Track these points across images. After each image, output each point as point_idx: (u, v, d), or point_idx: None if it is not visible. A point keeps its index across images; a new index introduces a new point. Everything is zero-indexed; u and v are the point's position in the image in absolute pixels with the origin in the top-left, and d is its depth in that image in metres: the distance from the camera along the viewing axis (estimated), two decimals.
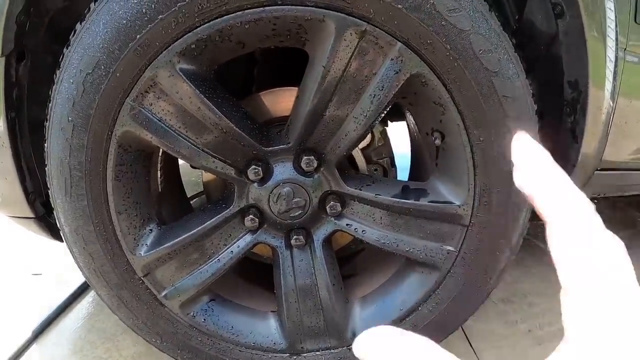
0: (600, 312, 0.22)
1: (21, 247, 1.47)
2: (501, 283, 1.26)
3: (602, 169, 0.97)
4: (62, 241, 0.83)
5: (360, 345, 0.23)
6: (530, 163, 0.24)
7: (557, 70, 0.87)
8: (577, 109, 0.86)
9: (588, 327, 0.21)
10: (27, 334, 1.09)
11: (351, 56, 0.66)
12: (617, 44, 0.84)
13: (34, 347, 1.07)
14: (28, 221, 0.92)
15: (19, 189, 0.83)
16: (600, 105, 0.85)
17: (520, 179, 0.24)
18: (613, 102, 0.88)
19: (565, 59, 0.85)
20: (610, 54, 0.84)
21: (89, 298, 1.24)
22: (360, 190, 0.76)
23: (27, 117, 0.84)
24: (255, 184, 0.76)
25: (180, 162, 1.13)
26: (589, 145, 0.87)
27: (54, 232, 0.92)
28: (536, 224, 1.63)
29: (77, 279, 1.27)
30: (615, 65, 0.85)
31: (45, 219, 0.92)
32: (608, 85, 0.85)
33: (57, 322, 1.15)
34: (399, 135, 1.23)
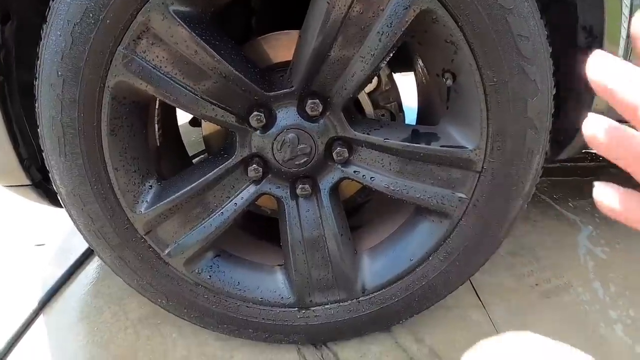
0: None
1: (23, 219, 1.46)
2: (509, 237, 1.26)
3: (620, 121, 0.94)
4: (62, 206, 0.81)
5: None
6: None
7: (572, 14, 0.83)
8: None
9: None
10: (34, 304, 1.08)
11: None
12: None
13: (41, 317, 1.06)
14: (25, 189, 0.89)
15: (13, 156, 0.81)
16: (615, 54, 0.82)
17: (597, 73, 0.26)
18: (627, 52, 0.85)
19: (580, 4, 0.81)
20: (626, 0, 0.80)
21: (94, 264, 1.23)
22: (368, 134, 0.73)
23: (16, 81, 0.81)
24: (258, 132, 0.72)
25: (180, 119, 1.10)
26: None
27: (53, 198, 0.89)
28: (544, 180, 1.63)
29: (81, 247, 1.26)
30: (631, 13, 0.81)
31: (42, 185, 0.89)
32: (623, 34, 0.82)
33: (62, 291, 1.14)
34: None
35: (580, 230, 1.32)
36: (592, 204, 1.44)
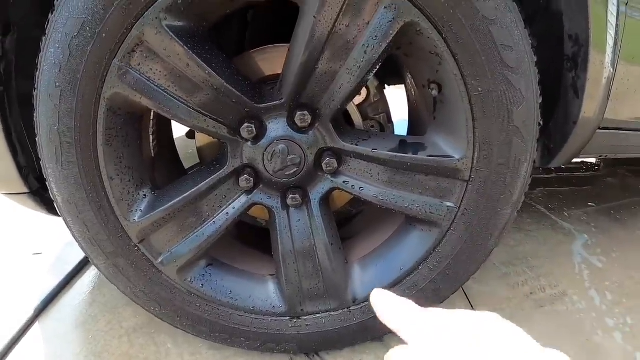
0: None
1: (21, 228, 1.47)
2: (503, 246, 1.27)
3: (604, 128, 0.95)
4: (59, 215, 0.82)
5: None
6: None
7: (557, 24, 0.84)
8: (579, 64, 0.84)
9: None
10: (30, 311, 1.09)
11: (343, 5, 0.64)
12: None
13: (37, 325, 1.07)
14: (23, 197, 0.91)
15: (12, 164, 0.82)
16: (602, 62, 0.83)
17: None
18: (615, 59, 0.86)
19: (566, 13, 0.82)
20: (612, 8, 0.81)
21: (90, 274, 1.24)
22: (357, 145, 0.74)
23: (16, 92, 0.83)
24: (249, 143, 0.74)
25: (177, 132, 1.11)
26: (590, 101, 0.85)
27: (49, 207, 0.91)
28: (539, 190, 1.63)
29: (77, 256, 1.27)
30: (617, 20, 0.83)
31: (40, 193, 0.91)
32: (610, 41, 0.83)
33: (58, 299, 1.15)
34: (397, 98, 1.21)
35: (575, 239, 1.32)
36: (588, 213, 1.45)
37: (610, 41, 0.83)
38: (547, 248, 1.27)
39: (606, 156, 1.16)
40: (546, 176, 1.67)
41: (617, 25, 0.83)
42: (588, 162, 1.80)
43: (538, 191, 1.56)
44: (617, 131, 1.01)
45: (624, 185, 1.63)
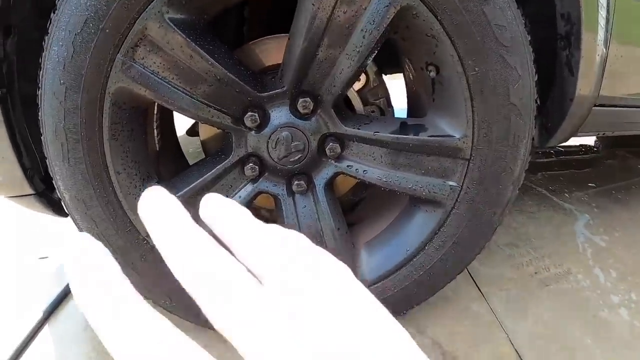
0: None
1: (26, 233, 1.48)
2: (506, 229, 1.28)
3: (600, 105, 0.97)
4: (65, 216, 0.82)
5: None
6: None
7: (549, 4, 0.86)
8: (572, 43, 0.86)
9: None
10: (39, 314, 1.09)
11: None
12: None
13: (46, 327, 1.08)
14: (29, 199, 0.91)
15: (17, 166, 0.83)
16: (594, 40, 0.85)
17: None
18: (608, 37, 0.87)
19: None
20: None
21: None
22: (359, 129, 0.75)
23: (18, 93, 0.84)
24: (253, 132, 0.75)
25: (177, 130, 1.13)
26: (585, 79, 0.87)
27: (56, 208, 0.91)
28: (541, 173, 1.64)
29: None
30: None
31: (45, 194, 0.91)
32: (601, 20, 0.85)
33: (66, 301, 1.15)
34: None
35: (577, 219, 1.33)
36: (589, 194, 1.46)
37: (601, 20, 0.85)
38: (550, 229, 1.28)
39: (604, 134, 1.18)
40: (546, 160, 1.68)
41: (608, 4, 0.85)
42: (587, 145, 1.82)
43: (539, 175, 1.58)
44: (614, 108, 1.03)
45: (624, 167, 1.65)
